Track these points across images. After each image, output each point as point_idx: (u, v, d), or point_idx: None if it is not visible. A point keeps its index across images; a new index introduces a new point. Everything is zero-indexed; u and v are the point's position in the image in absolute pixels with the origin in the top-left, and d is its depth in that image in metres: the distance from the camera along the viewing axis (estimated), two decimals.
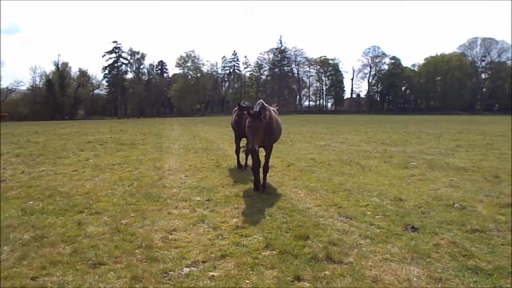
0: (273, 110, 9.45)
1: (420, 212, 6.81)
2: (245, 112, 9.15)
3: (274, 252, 4.87)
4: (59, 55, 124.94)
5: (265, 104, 8.19)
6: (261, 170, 8.50)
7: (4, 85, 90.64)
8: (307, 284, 4.04)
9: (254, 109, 7.51)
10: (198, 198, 7.57)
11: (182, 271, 4.34)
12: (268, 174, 8.73)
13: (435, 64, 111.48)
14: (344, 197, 7.86)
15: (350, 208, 6.98)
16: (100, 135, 23.33)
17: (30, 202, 7.10)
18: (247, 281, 4.08)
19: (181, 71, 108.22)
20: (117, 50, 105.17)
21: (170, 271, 4.31)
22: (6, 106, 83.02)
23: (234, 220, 6.20)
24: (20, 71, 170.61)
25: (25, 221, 5.96)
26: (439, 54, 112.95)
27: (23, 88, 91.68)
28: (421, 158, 13.70)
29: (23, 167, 11.12)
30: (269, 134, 8.14)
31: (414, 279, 4.21)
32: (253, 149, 7.14)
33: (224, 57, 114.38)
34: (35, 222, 5.93)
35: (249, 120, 7.41)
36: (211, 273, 4.24)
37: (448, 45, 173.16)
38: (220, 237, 5.40)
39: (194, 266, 4.47)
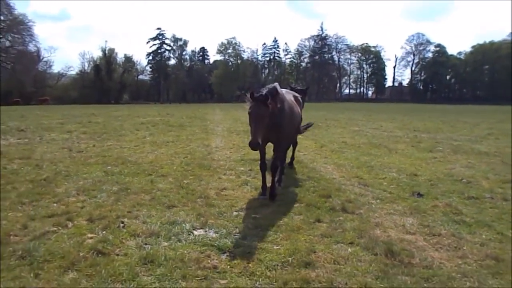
0: (294, 96, 8.00)
1: (429, 184, 8.02)
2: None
3: (302, 205, 6.34)
4: (106, 41, 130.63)
5: (279, 89, 6.58)
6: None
7: (55, 70, 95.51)
8: (325, 225, 5.46)
9: (260, 92, 5.97)
10: (242, 168, 9.10)
11: (233, 213, 5.89)
12: (301, 153, 9.76)
13: (483, 52, 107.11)
14: (367, 171, 9.15)
15: (370, 180, 8.28)
16: (151, 117, 25.45)
17: (109, 167, 8.92)
18: (281, 221, 5.54)
19: (222, 57, 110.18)
20: (160, 37, 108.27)
21: (224, 213, 5.86)
22: (57, 90, 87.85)
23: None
24: (70, 56, 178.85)
25: (109, 179, 7.73)
26: (487, 42, 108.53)
27: (73, 73, 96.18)
28: (448, 144, 14.58)
29: (93, 142, 13.11)
30: (276, 127, 6.30)
31: (408, 225, 5.52)
32: (255, 143, 5.58)
33: (264, 44, 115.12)
34: (117, 180, 7.70)
35: (252, 105, 5.84)
36: (254, 215, 5.73)
37: (498, 33, 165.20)
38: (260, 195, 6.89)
39: (241, 211, 5.98)
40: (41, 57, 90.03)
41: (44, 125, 18.92)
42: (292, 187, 7.53)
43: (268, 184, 6.85)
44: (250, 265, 4.13)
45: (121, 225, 5.15)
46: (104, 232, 4.92)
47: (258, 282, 3.81)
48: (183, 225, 5.24)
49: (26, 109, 36.03)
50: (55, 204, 6.01)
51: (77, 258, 4.13)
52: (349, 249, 4.62)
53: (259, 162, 6.89)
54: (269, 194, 6.63)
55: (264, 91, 5.99)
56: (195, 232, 5.05)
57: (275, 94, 6.17)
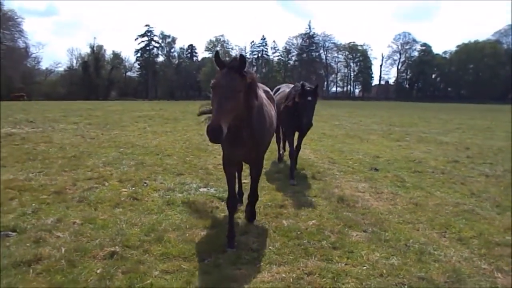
0: (265, 92, 5.60)
1: (387, 163, 9.85)
2: (309, 98, 7.16)
3: (281, 174, 8.18)
4: (94, 38, 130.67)
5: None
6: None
7: (43, 66, 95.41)
8: (297, 187, 7.24)
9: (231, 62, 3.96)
10: None
11: None
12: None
13: (467, 52, 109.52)
14: (337, 154, 10.96)
15: (339, 160, 10.10)
16: (146, 112, 27.04)
17: (122, 149, 10.61)
18: (264, 184, 7.31)
19: (210, 55, 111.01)
20: (149, 34, 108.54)
21: (220, 179, 7.59)
22: (46, 86, 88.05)
23: None
24: (58, 52, 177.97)
25: (126, 157, 9.45)
26: (472, 41, 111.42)
27: (61, 69, 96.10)
28: (416, 135, 16.46)
29: (100, 131, 14.73)
30: (257, 137, 4.49)
31: (360, 187, 7.34)
32: (216, 126, 3.48)
33: (253, 41, 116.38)
34: (132, 157, 9.42)
35: (219, 75, 3.88)
36: (244, 181, 7.40)
37: (483, 33, 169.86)
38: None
39: None
40: (30, 53, 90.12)
41: (49, 117, 20.44)
42: (275, 163, 9.34)
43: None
44: (242, 206, 5.88)
45: (145, 184, 6.90)
46: (134, 188, 6.66)
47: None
48: (191, 185, 7.04)
49: (13, 104, 37.30)
50: (89, 172, 7.74)
51: (119, 201, 5.87)
52: (312, 199, 6.43)
53: (223, 196, 5.51)
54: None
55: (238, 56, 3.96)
56: (200, 190, 6.83)
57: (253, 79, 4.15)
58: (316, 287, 3.58)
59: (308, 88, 7.38)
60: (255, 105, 4.27)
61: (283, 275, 3.79)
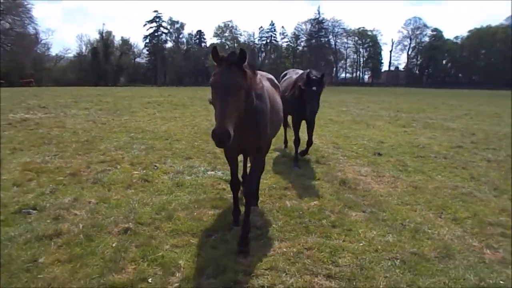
0: (270, 80, 5.41)
1: (391, 148, 10.04)
2: (313, 88, 7.06)
3: (285, 158, 8.45)
4: (103, 24, 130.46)
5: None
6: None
7: (53, 53, 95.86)
8: (301, 170, 7.49)
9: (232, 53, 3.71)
10: None
11: None
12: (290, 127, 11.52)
13: (480, 37, 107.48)
14: (343, 140, 11.17)
15: (343, 145, 10.31)
16: (154, 98, 27.37)
17: (132, 134, 10.95)
18: (269, 167, 7.58)
19: (218, 41, 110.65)
20: (157, 20, 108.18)
21: (226, 162, 7.85)
22: (55, 72, 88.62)
23: None
24: (68, 38, 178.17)
25: (136, 142, 9.78)
26: (484, 26, 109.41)
27: (70, 55, 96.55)
28: (423, 121, 16.54)
29: (111, 117, 15.09)
30: (257, 128, 4.21)
31: (363, 171, 7.58)
32: (223, 132, 3.26)
33: (261, 27, 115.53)
34: (142, 142, 9.75)
35: (218, 71, 3.62)
36: (249, 165, 7.71)
37: (496, 17, 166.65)
38: None
39: (240, 162, 7.94)
40: (40, 40, 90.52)
41: (61, 103, 20.90)
42: (281, 149, 9.59)
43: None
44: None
45: (155, 167, 7.22)
46: (144, 171, 6.99)
47: None
48: (199, 168, 7.35)
49: (25, 90, 37.86)
50: (102, 156, 8.11)
51: (131, 182, 6.20)
52: (316, 182, 6.69)
53: (230, 179, 5.10)
54: (240, 245, 4.12)
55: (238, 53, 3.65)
56: (208, 173, 7.13)
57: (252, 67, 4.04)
58: (314, 260, 3.87)
59: (314, 77, 7.17)
60: (254, 97, 3.98)
61: (284, 249, 4.10)
